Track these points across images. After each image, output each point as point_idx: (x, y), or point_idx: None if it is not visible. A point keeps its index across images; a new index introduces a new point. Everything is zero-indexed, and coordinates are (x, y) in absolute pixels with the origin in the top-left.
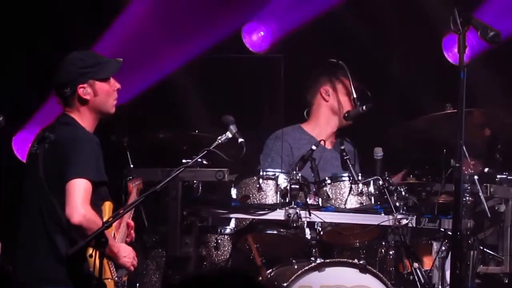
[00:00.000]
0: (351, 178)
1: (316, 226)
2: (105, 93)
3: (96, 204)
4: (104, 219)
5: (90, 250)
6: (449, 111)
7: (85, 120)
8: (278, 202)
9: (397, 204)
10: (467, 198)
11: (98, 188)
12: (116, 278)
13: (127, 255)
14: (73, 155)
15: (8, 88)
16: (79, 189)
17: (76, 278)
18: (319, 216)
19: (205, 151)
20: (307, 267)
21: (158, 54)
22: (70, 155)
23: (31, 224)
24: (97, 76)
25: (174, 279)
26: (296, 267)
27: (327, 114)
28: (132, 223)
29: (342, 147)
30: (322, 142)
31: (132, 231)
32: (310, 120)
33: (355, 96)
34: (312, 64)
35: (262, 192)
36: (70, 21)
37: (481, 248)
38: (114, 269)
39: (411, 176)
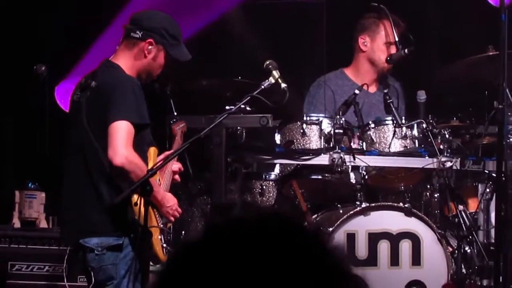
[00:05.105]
0: (395, 122)
1: (360, 171)
2: (160, 65)
3: (141, 147)
4: (149, 165)
5: (136, 198)
6: (491, 53)
7: (129, 69)
8: (322, 147)
9: (441, 146)
10: (511, 139)
11: (141, 131)
12: (161, 226)
13: (170, 205)
14: (114, 99)
15: (50, 39)
16: (121, 131)
17: (122, 227)
18: (363, 160)
19: (248, 97)
20: (352, 212)
21: (199, 2)
22: (111, 99)
23: (76, 173)
24: (168, 49)
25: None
26: (341, 211)
27: (365, 63)
28: (176, 169)
29: (386, 91)
30: (365, 87)
31: (177, 176)
32: (352, 66)
33: (397, 39)
34: (354, 8)
35: (306, 137)
36: None
37: None
38: (159, 217)
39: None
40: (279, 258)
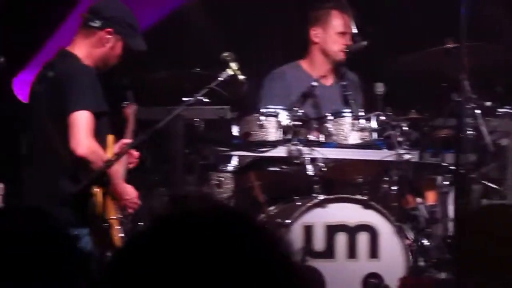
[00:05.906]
0: (353, 114)
1: (318, 163)
2: (117, 54)
3: (100, 136)
4: (108, 153)
5: (94, 189)
6: (450, 46)
7: (86, 58)
8: (280, 139)
9: (399, 139)
10: (469, 132)
11: (100, 119)
12: (120, 217)
13: (129, 197)
14: (72, 89)
15: (9, 30)
16: (82, 121)
17: (81, 218)
18: (321, 152)
19: (206, 89)
20: (310, 204)
21: None
22: (69, 88)
23: (36, 164)
24: (127, 40)
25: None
26: (298, 204)
27: (319, 55)
28: (135, 154)
29: (344, 83)
30: (322, 79)
31: (135, 160)
32: (307, 58)
33: (354, 31)
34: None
35: (264, 129)
36: None
37: (484, 182)
38: (118, 208)
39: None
40: (222, 251)
